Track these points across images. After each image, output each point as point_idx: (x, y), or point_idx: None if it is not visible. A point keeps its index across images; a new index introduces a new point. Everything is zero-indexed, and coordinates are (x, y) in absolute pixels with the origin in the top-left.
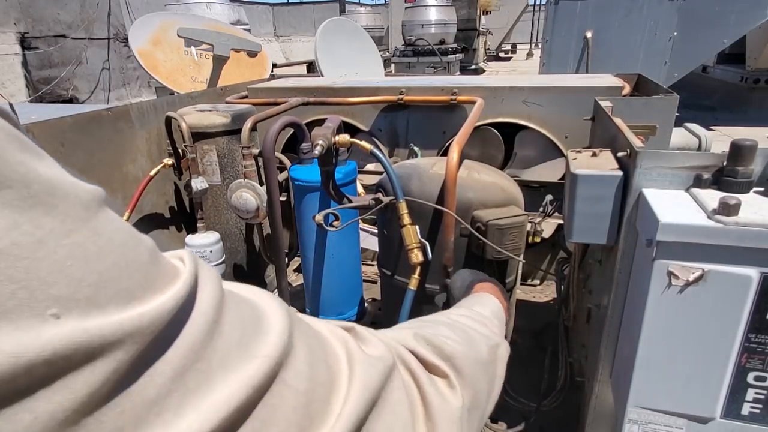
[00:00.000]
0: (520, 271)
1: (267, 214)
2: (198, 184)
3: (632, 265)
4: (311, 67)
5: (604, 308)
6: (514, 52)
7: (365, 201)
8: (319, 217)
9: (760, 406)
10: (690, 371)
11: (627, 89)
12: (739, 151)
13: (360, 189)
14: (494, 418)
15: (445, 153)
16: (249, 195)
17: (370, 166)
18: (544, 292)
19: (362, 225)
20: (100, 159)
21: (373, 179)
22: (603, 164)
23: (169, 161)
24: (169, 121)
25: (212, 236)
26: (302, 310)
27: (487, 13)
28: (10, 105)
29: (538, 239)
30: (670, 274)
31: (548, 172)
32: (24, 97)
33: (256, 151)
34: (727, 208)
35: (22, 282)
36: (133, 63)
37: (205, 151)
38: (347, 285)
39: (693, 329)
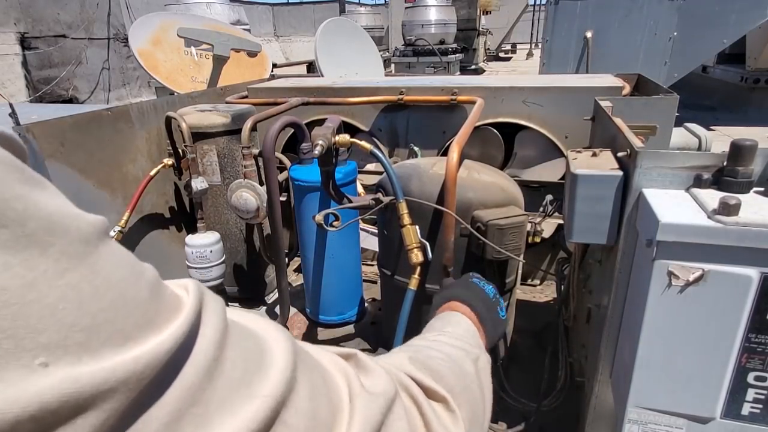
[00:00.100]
0: (520, 271)
1: (267, 214)
2: (198, 184)
3: (632, 265)
4: (311, 67)
5: (604, 308)
6: (514, 52)
7: (365, 201)
8: (319, 217)
9: (760, 406)
10: (690, 371)
11: (627, 89)
12: (739, 151)
13: (360, 189)
14: (494, 418)
15: (445, 153)
16: (249, 195)
17: (370, 166)
18: (544, 292)
19: (362, 225)
20: (100, 159)
21: (373, 179)
22: (603, 164)
23: (169, 161)
24: (169, 121)
25: (212, 236)
26: (302, 310)
27: (487, 13)
28: (10, 105)
29: (538, 239)
30: (670, 274)
31: (548, 172)
32: (24, 97)
33: (256, 151)
34: (727, 208)
35: (9, 331)
36: (133, 63)
37: (205, 151)
38: (347, 285)
39: (693, 329)
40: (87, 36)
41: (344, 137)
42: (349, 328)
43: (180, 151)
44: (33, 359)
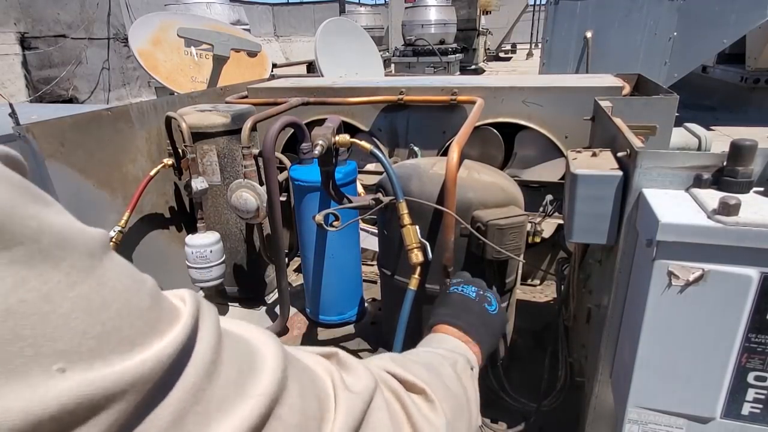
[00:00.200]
0: (520, 271)
1: (267, 214)
2: (198, 184)
3: (632, 265)
4: (311, 67)
5: (604, 308)
6: (514, 52)
7: (365, 201)
8: (319, 217)
9: (761, 406)
10: (690, 371)
11: (627, 89)
12: (739, 151)
13: (360, 189)
14: (494, 418)
15: (445, 153)
16: (249, 195)
17: (370, 166)
18: (544, 292)
19: (362, 225)
20: (100, 159)
21: (373, 179)
22: (603, 164)
23: (169, 161)
24: (169, 121)
25: (212, 236)
26: (302, 310)
27: (487, 13)
28: (10, 105)
29: (538, 239)
30: (670, 274)
31: (548, 172)
32: (24, 97)
33: (256, 151)
34: (727, 208)
35: (29, 339)
36: (133, 63)
37: (205, 151)
38: (347, 285)
39: (693, 329)
40: (87, 36)
41: (344, 137)
42: (349, 328)
43: (180, 151)
44: (51, 365)
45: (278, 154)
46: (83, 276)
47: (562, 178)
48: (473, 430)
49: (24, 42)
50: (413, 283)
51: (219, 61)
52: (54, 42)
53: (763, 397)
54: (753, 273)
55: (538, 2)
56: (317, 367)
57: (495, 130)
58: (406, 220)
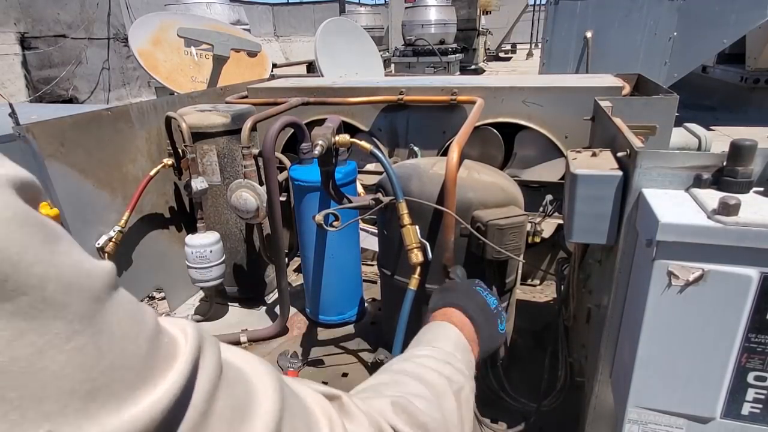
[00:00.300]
0: (520, 271)
1: (267, 214)
2: (198, 184)
3: (632, 265)
4: (311, 67)
5: (604, 308)
6: (514, 52)
7: (365, 201)
8: (319, 217)
9: (760, 406)
10: (690, 371)
11: (627, 89)
12: (739, 151)
13: (360, 189)
14: (494, 418)
15: (445, 153)
16: (249, 195)
17: (370, 166)
18: (544, 292)
19: (362, 225)
20: (100, 159)
21: (373, 179)
22: (603, 164)
23: (169, 161)
24: (169, 121)
25: (212, 236)
26: (302, 310)
27: (487, 13)
28: (10, 105)
29: (538, 239)
30: (670, 274)
31: (548, 172)
32: (24, 97)
33: (256, 151)
34: (727, 208)
35: (15, 402)
36: (133, 63)
37: (205, 151)
38: (347, 285)
39: (693, 329)
40: (87, 36)
41: (344, 137)
42: (349, 328)
43: (180, 151)
44: (37, 429)
45: (278, 154)
46: (84, 324)
47: (562, 178)
48: None
49: (24, 42)
50: (413, 283)
51: (219, 61)
52: (54, 42)
53: (763, 397)
54: (753, 273)
55: (538, 2)
56: (315, 407)
57: (495, 130)
58: (406, 220)
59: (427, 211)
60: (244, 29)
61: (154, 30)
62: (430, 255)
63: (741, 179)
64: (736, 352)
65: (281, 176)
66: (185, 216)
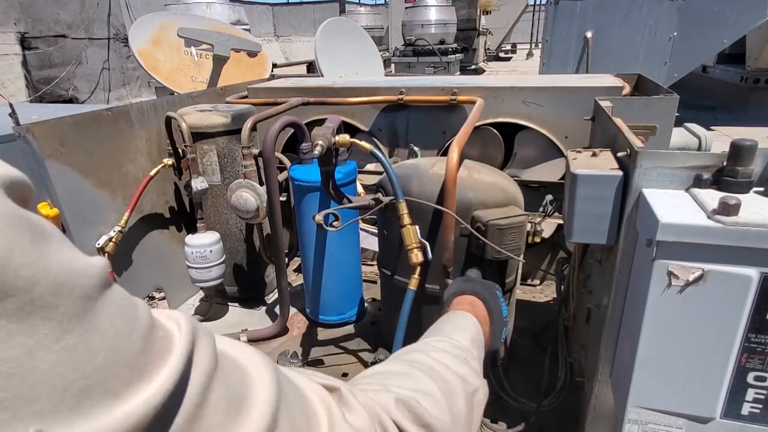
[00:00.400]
0: (520, 271)
1: (267, 214)
2: (198, 184)
3: (632, 265)
4: (311, 67)
5: (604, 308)
6: (514, 52)
7: (365, 201)
8: (319, 217)
9: (760, 406)
10: (690, 371)
11: (627, 89)
12: (739, 151)
13: (360, 189)
14: (494, 418)
15: (445, 153)
16: (249, 195)
17: (370, 166)
18: (544, 292)
19: (362, 225)
20: (100, 159)
21: (373, 179)
22: (603, 164)
23: (169, 161)
24: (169, 121)
25: (212, 236)
26: (302, 310)
27: (487, 13)
28: (10, 105)
29: (538, 239)
30: (670, 274)
31: (548, 172)
32: (24, 97)
33: (256, 151)
34: (727, 208)
35: (5, 402)
36: (133, 63)
37: (205, 151)
38: (347, 285)
39: (693, 329)
40: (87, 36)
41: (344, 137)
42: (349, 328)
43: (180, 151)
44: (26, 428)
45: (278, 154)
46: (74, 324)
47: (562, 178)
48: None
49: (24, 42)
50: (413, 283)
51: (219, 61)
52: (54, 42)
53: (762, 397)
54: (753, 273)
55: (538, 2)
56: (313, 397)
57: (495, 130)
58: (406, 220)
59: (427, 211)
60: (244, 29)
61: (154, 30)
62: (430, 255)
63: (741, 179)
64: (736, 352)
65: (281, 176)
66: (185, 216)
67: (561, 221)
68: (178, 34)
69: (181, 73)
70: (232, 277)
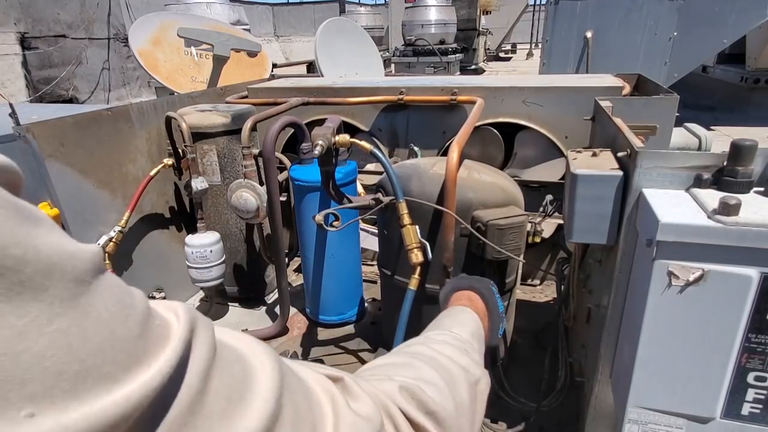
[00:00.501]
0: (520, 271)
1: (267, 214)
2: (198, 184)
3: (632, 265)
4: (311, 67)
5: (604, 308)
6: (514, 52)
7: (365, 201)
8: (319, 217)
9: (760, 406)
10: (690, 371)
11: (627, 89)
12: (739, 151)
13: (360, 189)
14: (494, 418)
15: (445, 153)
16: (249, 195)
17: (370, 166)
18: (544, 292)
19: (362, 225)
20: (100, 159)
21: (373, 179)
22: (603, 164)
23: (169, 161)
24: (169, 121)
25: (212, 236)
26: (302, 310)
27: (487, 13)
28: (10, 105)
29: (538, 239)
30: (670, 274)
31: (548, 172)
32: (24, 97)
33: (256, 151)
34: (727, 208)
35: None
36: (133, 63)
37: (205, 151)
38: (347, 285)
39: (693, 329)
40: (87, 36)
41: (344, 137)
42: (349, 328)
43: (180, 151)
44: (19, 411)
45: (278, 154)
46: (66, 307)
47: (562, 178)
48: None
49: (24, 42)
50: (413, 283)
51: (219, 61)
52: (54, 42)
53: (762, 397)
54: (753, 273)
55: (538, 2)
56: (316, 386)
57: (495, 130)
58: (406, 220)
59: (427, 211)
60: (244, 29)
61: (154, 30)
62: (430, 255)
63: (741, 179)
64: (736, 352)
65: (281, 176)
66: (185, 216)
67: (561, 221)
68: (178, 34)
69: (181, 73)
70: (232, 277)
